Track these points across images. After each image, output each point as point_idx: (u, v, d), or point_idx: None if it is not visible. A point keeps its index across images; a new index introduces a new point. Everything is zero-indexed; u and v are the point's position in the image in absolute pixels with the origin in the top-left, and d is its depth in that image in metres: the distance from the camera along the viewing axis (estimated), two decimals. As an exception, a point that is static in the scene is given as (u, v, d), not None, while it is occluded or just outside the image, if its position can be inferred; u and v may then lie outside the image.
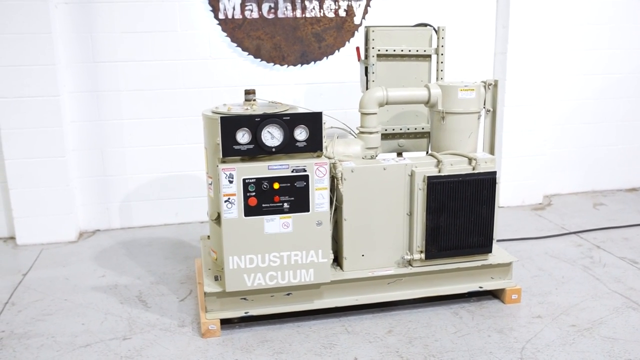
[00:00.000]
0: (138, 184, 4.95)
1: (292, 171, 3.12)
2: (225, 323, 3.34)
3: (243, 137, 3.06)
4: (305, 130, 3.12)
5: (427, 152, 4.09)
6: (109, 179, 4.90)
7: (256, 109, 3.36)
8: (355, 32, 4.99)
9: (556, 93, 5.53)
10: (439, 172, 3.40)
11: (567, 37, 5.43)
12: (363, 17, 4.98)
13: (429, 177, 3.36)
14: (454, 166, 3.45)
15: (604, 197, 5.74)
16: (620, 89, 5.70)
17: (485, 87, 3.63)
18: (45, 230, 4.69)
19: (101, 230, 4.98)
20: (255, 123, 3.06)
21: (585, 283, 3.88)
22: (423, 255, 3.46)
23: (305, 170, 3.13)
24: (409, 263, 3.51)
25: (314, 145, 3.16)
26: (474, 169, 3.45)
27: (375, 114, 3.56)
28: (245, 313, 3.31)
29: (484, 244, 3.52)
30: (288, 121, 3.09)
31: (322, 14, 4.89)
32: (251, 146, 3.08)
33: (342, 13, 4.93)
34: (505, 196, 5.40)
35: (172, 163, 4.97)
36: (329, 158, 3.30)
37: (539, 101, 5.30)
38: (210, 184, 3.46)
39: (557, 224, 4.99)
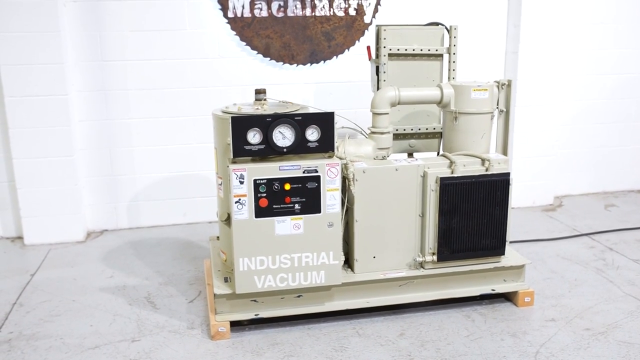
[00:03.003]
0: (146, 183, 4.93)
1: (304, 172, 3.08)
2: (235, 325, 3.30)
3: (254, 137, 3.02)
4: (317, 130, 3.08)
5: (438, 153, 4.05)
6: (117, 179, 4.87)
7: (267, 109, 3.32)
8: (366, 31, 4.95)
9: (567, 93, 5.47)
10: (452, 173, 3.36)
11: (578, 37, 5.38)
12: (373, 16, 4.93)
13: (442, 178, 3.31)
14: (467, 167, 3.41)
15: (615, 198, 5.68)
16: (631, 88, 5.64)
17: (498, 87, 3.58)
18: (53, 230, 4.66)
19: (109, 230, 4.95)
20: (267, 123, 3.02)
21: (598, 286, 3.83)
22: (435, 257, 3.41)
23: (316, 171, 3.09)
24: (421, 265, 3.47)
25: (326, 145, 3.12)
26: (487, 170, 3.40)
27: (387, 114, 3.52)
28: (256, 315, 3.27)
29: (496, 246, 3.47)
30: (299, 121, 3.05)
31: (332, 13, 4.85)
32: (262, 146, 3.04)
33: (352, 12, 4.89)
34: (515, 197, 5.34)
35: (180, 163, 4.94)
36: (341, 158, 3.26)
37: (550, 101, 5.25)
38: (220, 185, 3.42)
39: (568, 225, 4.94)
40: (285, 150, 3.06)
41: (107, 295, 3.76)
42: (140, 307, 3.60)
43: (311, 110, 3.27)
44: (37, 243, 4.67)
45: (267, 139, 3.03)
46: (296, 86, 4.96)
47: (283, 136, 3.05)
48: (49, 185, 4.60)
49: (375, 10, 4.92)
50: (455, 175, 3.34)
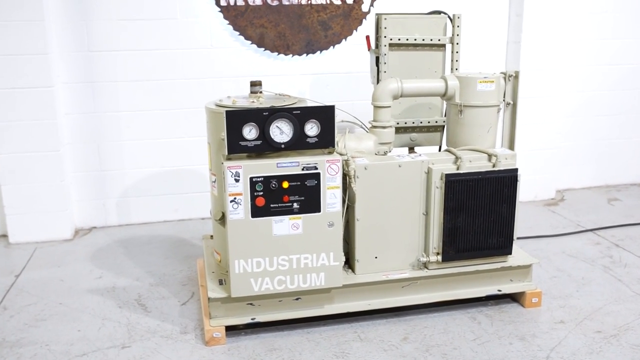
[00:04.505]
0: (136, 179, 4.74)
1: (303, 169, 2.91)
2: (230, 330, 3.14)
3: (250, 132, 2.85)
4: (317, 125, 2.91)
5: (439, 147, 3.90)
6: (105, 174, 4.69)
7: (263, 102, 3.15)
8: (364, 20, 4.78)
9: (569, 84, 5.32)
10: (458, 169, 3.21)
11: (581, 26, 5.22)
12: (371, 4, 4.75)
13: (447, 175, 3.16)
14: (473, 163, 3.25)
15: (618, 191, 5.55)
16: (635, 79, 5.50)
17: (505, 78, 3.43)
18: (39, 227, 4.48)
19: (97, 227, 4.77)
20: (263, 117, 2.85)
21: (606, 285, 3.69)
22: (440, 257, 3.26)
23: (316, 168, 2.92)
24: (425, 265, 3.32)
25: (326, 141, 2.95)
26: (494, 165, 3.25)
27: (389, 107, 3.36)
28: (252, 319, 3.11)
29: (504, 245, 3.33)
30: (298, 115, 2.88)
31: (328, 1, 4.67)
32: (259, 142, 2.87)
33: (349, 0, 4.71)
34: (517, 191, 5.20)
35: (171, 157, 4.76)
36: (341, 154, 3.09)
37: (552, 93, 5.10)
38: (214, 182, 3.25)
39: (572, 221, 4.81)
40: (283, 146, 2.89)
41: (95, 298, 3.59)
42: (130, 310, 3.43)
43: (309, 104, 3.10)
44: (22, 241, 4.48)
45: (263, 134, 2.86)
46: (292, 77, 4.78)
47: (281, 131, 2.88)
48: (35, 181, 4.41)
49: (374, -1, 4.75)
50: (461, 171, 3.19)
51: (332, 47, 4.79)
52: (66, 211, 4.52)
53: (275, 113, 2.86)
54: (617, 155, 5.66)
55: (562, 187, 5.59)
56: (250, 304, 3.11)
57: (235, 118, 2.83)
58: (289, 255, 3.00)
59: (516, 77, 3.42)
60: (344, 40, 4.79)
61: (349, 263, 3.33)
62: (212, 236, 3.66)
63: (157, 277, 3.86)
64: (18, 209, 4.44)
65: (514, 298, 3.49)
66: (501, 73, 3.44)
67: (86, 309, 3.45)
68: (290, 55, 4.74)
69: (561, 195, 5.45)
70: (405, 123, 3.75)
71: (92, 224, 4.77)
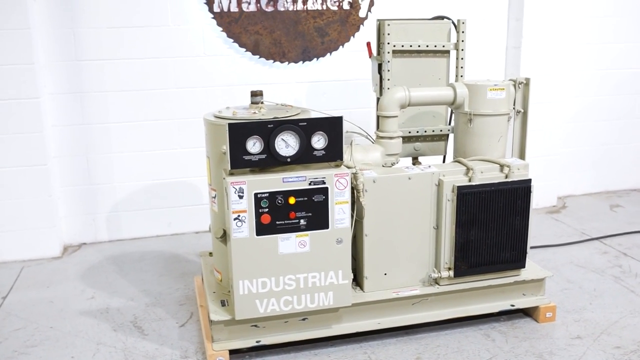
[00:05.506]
0: (127, 192, 4.56)
1: (310, 184, 2.76)
2: (234, 353, 2.98)
3: (254, 146, 2.70)
4: (324, 137, 2.76)
5: (444, 156, 3.77)
6: (95, 188, 4.50)
7: (265, 113, 3.00)
8: (361, 26, 4.64)
9: (569, 89, 5.22)
10: (469, 181, 3.07)
11: (581, 30, 5.13)
12: (369, 10, 4.62)
13: (459, 187, 3.02)
14: (485, 174, 3.12)
15: (619, 198, 5.47)
16: (634, 84, 5.42)
17: (515, 85, 3.31)
18: (26, 245, 4.28)
19: (87, 243, 4.57)
20: (268, 130, 2.70)
21: (619, 296, 3.58)
22: (451, 273, 3.13)
23: (324, 183, 2.77)
24: (436, 281, 3.18)
25: (334, 154, 2.80)
26: (506, 176, 3.12)
27: (396, 116, 3.23)
28: (257, 342, 2.95)
29: (517, 259, 3.20)
30: (305, 127, 2.73)
31: (324, 7, 4.53)
32: (263, 156, 2.72)
33: (346, 6, 4.58)
34: (518, 199, 5.09)
35: (164, 169, 4.58)
36: (348, 167, 2.95)
37: (553, 98, 5.00)
38: (214, 198, 3.09)
39: (576, 229, 4.70)
40: (289, 159, 2.74)
41: (88, 320, 3.40)
42: (126, 333, 3.25)
43: (314, 115, 2.96)
44: (8, 260, 4.27)
45: (268, 147, 2.71)
46: (288, 85, 4.63)
47: (286, 144, 2.73)
48: (21, 197, 4.21)
49: (371, 4, 4.62)
50: (473, 183, 3.06)
51: (329, 54, 4.65)
52: (54, 227, 4.33)
53: (281, 125, 2.71)
54: (617, 160, 5.58)
55: (563, 194, 5.49)
56: (255, 325, 2.95)
57: (238, 131, 2.67)
58: (296, 275, 2.84)
59: (527, 84, 3.31)
60: (341, 46, 4.65)
61: (357, 280, 3.18)
62: (210, 253, 3.50)
63: (152, 297, 3.68)
64: (4, 226, 4.23)
65: (527, 313, 3.36)
66: (510, 80, 3.32)
67: (79, 333, 3.26)
68: (286, 62, 4.59)
69: (562, 202, 5.35)
70: (409, 132, 3.62)
71: (81, 240, 4.57)
